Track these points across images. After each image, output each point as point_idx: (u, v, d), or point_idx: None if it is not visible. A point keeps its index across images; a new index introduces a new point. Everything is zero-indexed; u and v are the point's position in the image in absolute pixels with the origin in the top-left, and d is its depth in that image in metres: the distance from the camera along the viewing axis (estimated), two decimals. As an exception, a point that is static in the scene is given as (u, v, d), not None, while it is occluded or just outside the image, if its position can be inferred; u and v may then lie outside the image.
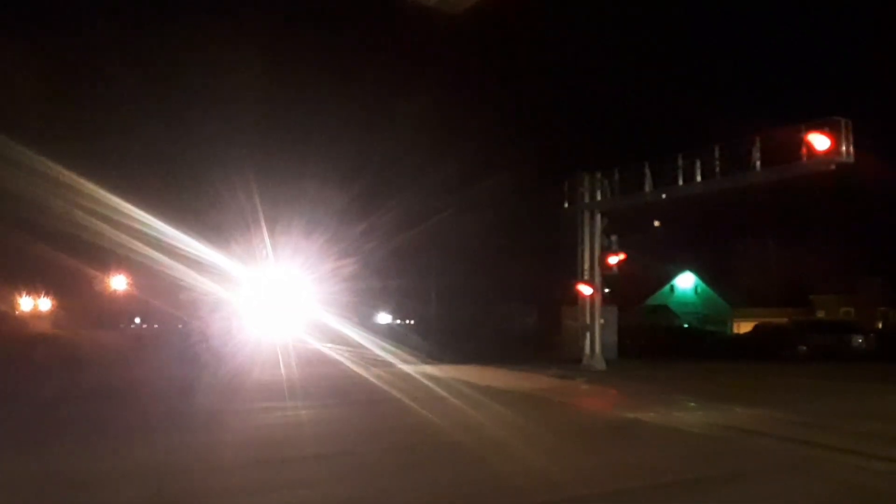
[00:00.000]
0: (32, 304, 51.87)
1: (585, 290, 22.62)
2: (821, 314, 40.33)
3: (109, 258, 43.73)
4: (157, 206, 24.45)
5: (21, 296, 50.54)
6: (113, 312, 51.14)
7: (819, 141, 17.15)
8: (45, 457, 8.49)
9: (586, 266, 22.63)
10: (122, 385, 16.47)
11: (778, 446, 9.26)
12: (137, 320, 57.71)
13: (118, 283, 49.27)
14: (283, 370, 19.07)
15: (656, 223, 22.70)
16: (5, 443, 9.19)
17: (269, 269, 27.69)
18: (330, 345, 25.41)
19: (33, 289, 50.25)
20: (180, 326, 40.92)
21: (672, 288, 50.97)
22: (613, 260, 22.21)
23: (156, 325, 52.67)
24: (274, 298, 28.37)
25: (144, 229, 24.43)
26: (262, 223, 26.06)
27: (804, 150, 17.47)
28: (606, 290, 23.68)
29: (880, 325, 36.02)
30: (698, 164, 19.66)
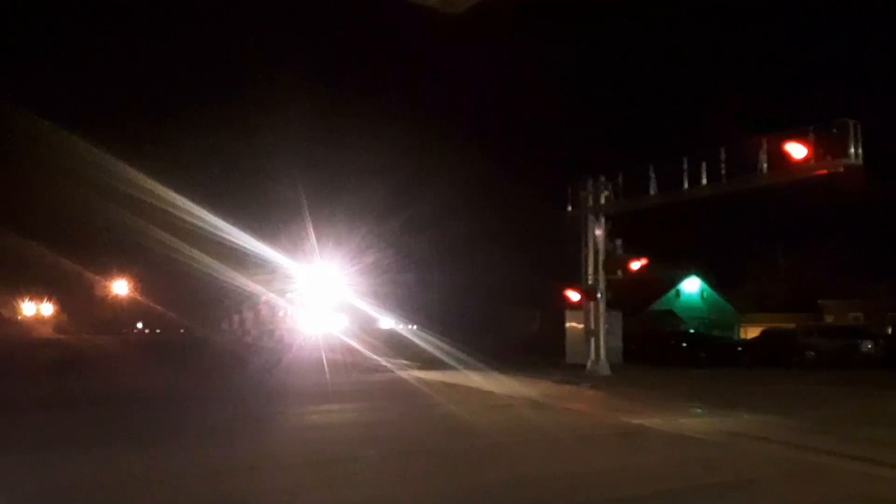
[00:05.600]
0: (35, 308, 51.91)
1: (573, 295, 22.39)
2: (829, 319, 39.92)
3: (112, 262, 43.79)
4: (212, 202, 24.71)
5: (23, 300, 50.60)
6: (115, 317, 51.12)
7: (827, 143, 16.88)
8: (101, 457, 8.54)
9: (590, 270, 22.30)
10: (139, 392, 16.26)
11: (786, 453, 9.09)
12: (139, 325, 57.61)
13: (120, 287, 49.27)
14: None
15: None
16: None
17: (312, 269, 28.19)
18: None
19: (35, 294, 50.32)
20: (182, 331, 40.92)
21: (678, 293, 50.52)
22: (636, 265, 21.75)
23: (158, 331, 52.58)
24: (314, 298, 28.97)
25: (198, 224, 24.54)
26: (309, 227, 26.43)
27: (812, 153, 17.20)
28: (608, 294, 23.26)
29: (890, 331, 35.57)
30: (704, 166, 19.34)
